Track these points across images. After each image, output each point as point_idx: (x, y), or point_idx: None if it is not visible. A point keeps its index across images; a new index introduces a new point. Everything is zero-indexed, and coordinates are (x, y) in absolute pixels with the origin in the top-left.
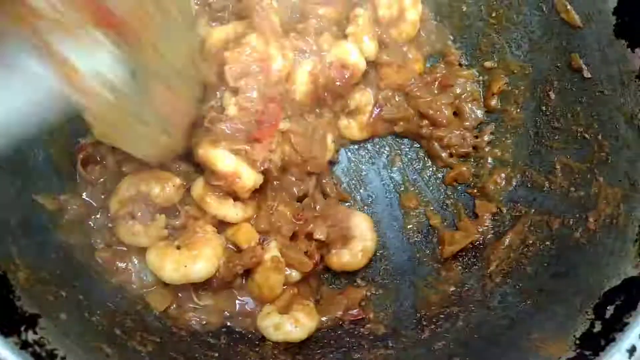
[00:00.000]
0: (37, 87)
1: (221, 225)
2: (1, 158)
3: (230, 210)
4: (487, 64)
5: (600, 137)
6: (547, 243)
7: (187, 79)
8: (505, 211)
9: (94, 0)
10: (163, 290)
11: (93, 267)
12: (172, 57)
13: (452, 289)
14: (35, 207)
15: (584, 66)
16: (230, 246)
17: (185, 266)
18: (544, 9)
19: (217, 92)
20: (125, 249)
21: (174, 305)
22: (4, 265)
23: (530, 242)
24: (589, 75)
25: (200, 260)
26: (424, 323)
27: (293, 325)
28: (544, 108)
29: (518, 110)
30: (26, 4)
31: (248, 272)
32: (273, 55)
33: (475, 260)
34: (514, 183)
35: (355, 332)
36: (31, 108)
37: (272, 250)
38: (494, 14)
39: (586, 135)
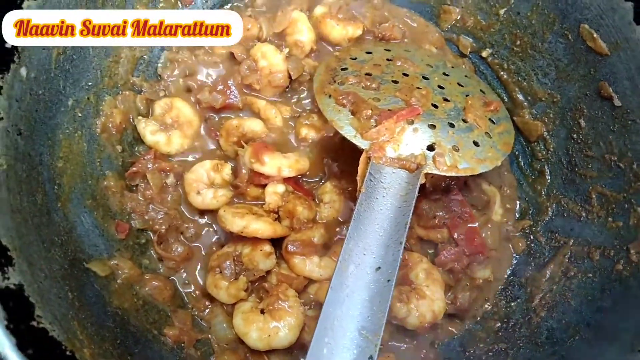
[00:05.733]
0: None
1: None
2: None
3: (315, 270)
4: None
5: (635, 166)
6: (590, 275)
7: None
8: (544, 242)
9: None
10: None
11: (149, 330)
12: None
13: (498, 324)
14: (88, 275)
15: (613, 94)
16: None
17: (269, 336)
18: (570, 36)
19: None
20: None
21: None
22: (70, 344)
23: (572, 274)
24: (620, 104)
25: (284, 330)
26: None
27: None
28: (575, 136)
29: (549, 138)
30: None
31: None
32: None
33: (518, 292)
34: (550, 212)
35: None
36: None
37: None
38: (518, 42)
39: (620, 165)
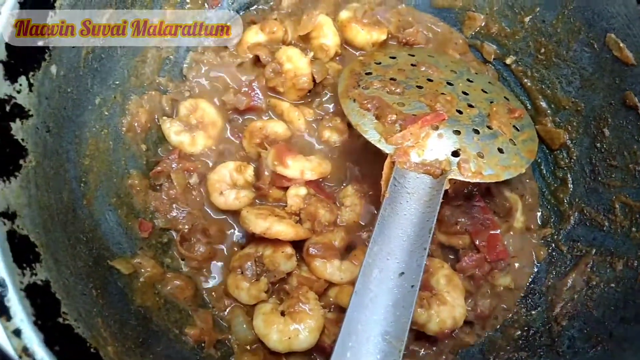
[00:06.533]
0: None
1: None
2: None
3: (336, 273)
4: None
5: None
6: (612, 285)
7: None
8: (565, 250)
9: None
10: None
11: (170, 329)
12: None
13: (519, 332)
14: (112, 273)
15: (639, 104)
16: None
17: (289, 338)
18: (595, 46)
19: None
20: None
21: None
22: (95, 342)
23: (594, 283)
24: None
25: (304, 333)
26: None
27: None
28: (598, 145)
29: (572, 146)
30: None
31: None
32: None
33: (538, 301)
34: (572, 221)
35: None
36: None
37: None
38: (542, 50)
39: None
